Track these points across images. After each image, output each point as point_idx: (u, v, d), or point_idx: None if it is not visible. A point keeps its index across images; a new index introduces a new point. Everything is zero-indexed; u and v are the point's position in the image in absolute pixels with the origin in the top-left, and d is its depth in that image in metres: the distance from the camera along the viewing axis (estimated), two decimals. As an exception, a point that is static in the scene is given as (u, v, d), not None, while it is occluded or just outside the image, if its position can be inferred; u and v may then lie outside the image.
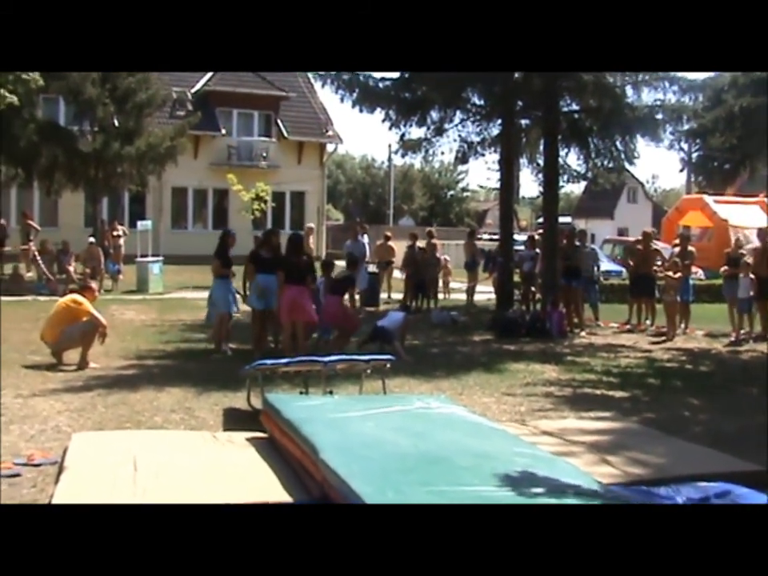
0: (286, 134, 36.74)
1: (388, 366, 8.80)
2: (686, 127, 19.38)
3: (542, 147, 19.09)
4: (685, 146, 30.70)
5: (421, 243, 20.38)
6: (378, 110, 19.47)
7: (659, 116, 18.53)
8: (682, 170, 61.87)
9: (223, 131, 35.57)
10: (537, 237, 19.72)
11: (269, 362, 8.58)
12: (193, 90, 35.73)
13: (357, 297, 18.59)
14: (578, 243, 16.64)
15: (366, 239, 20.39)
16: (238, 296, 12.51)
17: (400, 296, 20.31)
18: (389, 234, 22.79)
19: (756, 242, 16.95)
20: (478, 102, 20.09)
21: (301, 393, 8.57)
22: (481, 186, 77.02)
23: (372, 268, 20.57)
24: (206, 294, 13.54)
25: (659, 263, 16.43)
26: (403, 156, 22.67)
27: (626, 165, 21.16)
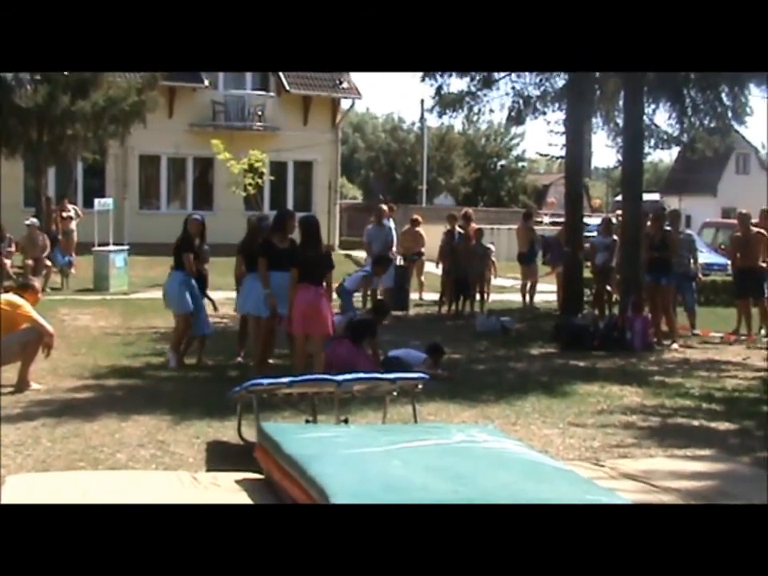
0: (287, 87, 36.70)
1: (420, 387, 8.77)
2: (818, 72, 19.17)
3: (621, 102, 19.02)
4: (816, 98, 30.63)
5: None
6: (408, 54, 19.46)
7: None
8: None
9: (206, 83, 35.57)
10: (614, 220, 19.67)
11: (265, 381, 8.41)
12: (167, 30, 35.84)
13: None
14: (668, 228, 16.57)
15: (392, 224, 20.02)
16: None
17: (435, 296, 20.30)
18: (417, 217, 22.19)
19: None
20: (537, 43, 20.04)
21: (307, 421, 8.60)
22: (541, 155, 76.96)
23: (400, 261, 20.30)
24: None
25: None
26: (440, 115, 22.69)
27: (734, 124, 21.06)
